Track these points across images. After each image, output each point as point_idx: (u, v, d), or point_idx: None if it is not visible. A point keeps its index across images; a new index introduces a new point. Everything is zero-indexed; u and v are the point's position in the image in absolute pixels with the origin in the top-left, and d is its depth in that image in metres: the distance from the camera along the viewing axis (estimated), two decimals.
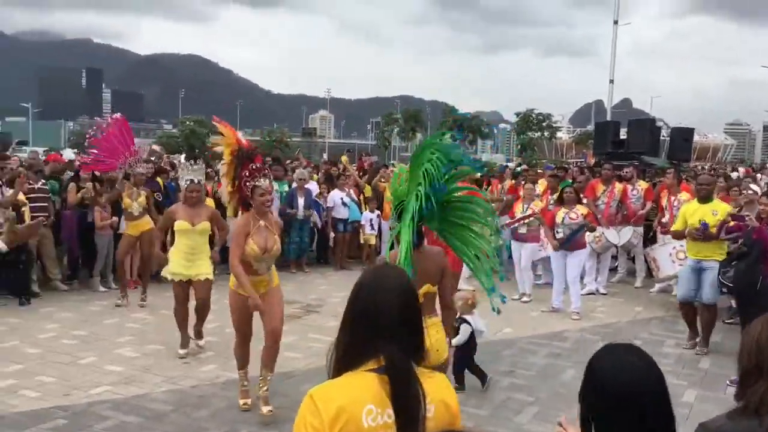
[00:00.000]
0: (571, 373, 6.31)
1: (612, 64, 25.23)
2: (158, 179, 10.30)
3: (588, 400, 1.82)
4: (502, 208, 11.08)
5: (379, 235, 11.80)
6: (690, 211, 7.25)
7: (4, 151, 12.07)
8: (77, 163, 10.83)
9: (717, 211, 7.06)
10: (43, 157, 13.03)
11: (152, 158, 12.05)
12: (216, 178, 10.77)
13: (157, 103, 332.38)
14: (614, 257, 11.07)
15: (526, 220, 9.43)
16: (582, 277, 9.37)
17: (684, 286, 7.22)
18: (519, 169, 15.94)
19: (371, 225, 11.77)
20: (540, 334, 7.82)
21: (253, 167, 5.17)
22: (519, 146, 62.74)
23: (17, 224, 3.13)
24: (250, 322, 5.19)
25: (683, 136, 15.61)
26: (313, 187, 11.76)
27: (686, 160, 17.17)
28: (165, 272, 6.50)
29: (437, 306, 4.04)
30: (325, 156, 26.06)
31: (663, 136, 18.72)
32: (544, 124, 60.01)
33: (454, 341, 5.35)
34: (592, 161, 17.29)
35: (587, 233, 8.95)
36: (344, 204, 11.62)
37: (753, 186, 9.76)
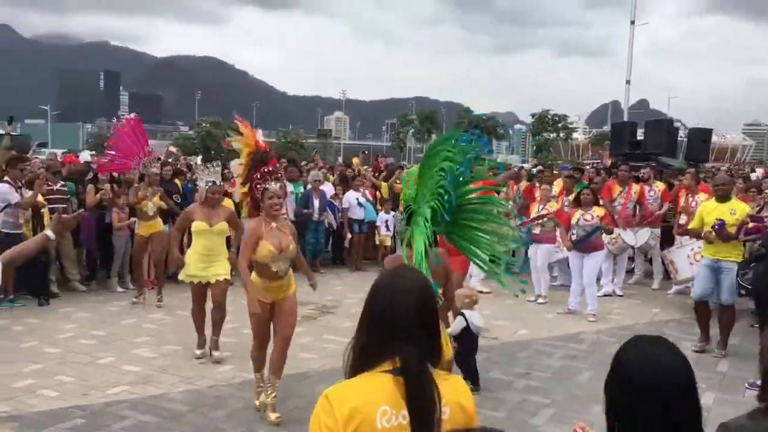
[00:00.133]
0: (587, 375, 6.28)
1: (629, 65, 25.09)
2: (176, 181, 10.36)
3: (613, 393, 1.78)
4: (517, 209, 11.07)
5: (395, 236, 11.81)
6: (707, 209, 7.19)
7: (23, 153, 12.17)
8: (94, 164, 10.94)
9: (735, 210, 6.99)
10: (61, 159, 13.17)
11: (170, 160, 12.11)
12: (231, 179, 10.86)
13: (173, 105, 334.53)
14: (631, 259, 11.00)
15: (540, 221, 9.41)
16: (598, 279, 9.33)
17: (701, 285, 7.17)
18: (535, 170, 15.88)
19: (387, 226, 11.78)
20: (556, 335, 7.79)
21: (265, 170, 5.19)
22: (534, 147, 62.45)
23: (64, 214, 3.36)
24: (268, 326, 5.18)
25: (701, 136, 15.52)
26: (327, 188, 11.78)
27: (704, 161, 17.05)
28: (182, 275, 6.51)
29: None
30: (340, 159, 26.10)
31: (681, 136, 18.62)
32: (559, 125, 59.67)
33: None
34: (609, 162, 17.19)
35: (604, 235, 8.91)
36: (360, 205, 11.65)
37: None
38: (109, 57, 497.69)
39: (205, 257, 6.37)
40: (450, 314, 5.36)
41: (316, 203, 11.11)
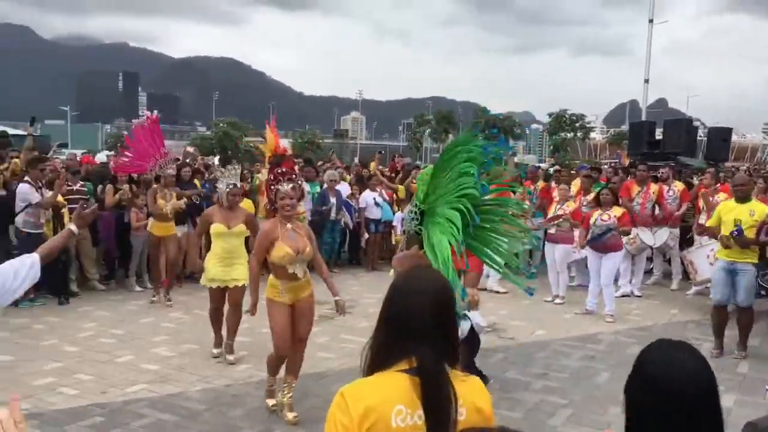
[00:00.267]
0: (606, 375, 6.24)
1: (647, 63, 24.89)
2: (195, 181, 10.41)
3: (635, 395, 1.77)
4: (533, 209, 11.03)
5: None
6: (726, 209, 7.12)
7: (44, 153, 12.31)
8: (111, 165, 11.05)
9: (754, 211, 6.91)
10: (80, 159, 13.31)
11: (187, 160, 12.19)
12: (249, 179, 10.92)
13: (191, 106, 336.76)
14: (649, 259, 10.92)
15: (556, 221, 9.37)
16: (616, 279, 9.27)
17: (719, 289, 7.09)
18: (551, 170, 15.81)
19: (403, 226, 11.77)
20: (573, 336, 7.75)
21: (278, 171, 5.21)
22: (551, 147, 62.14)
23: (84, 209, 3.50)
24: (289, 331, 5.07)
25: (721, 136, 15.38)
26: (343, 188, 11.80)
27: (724, 161, 16.89)
28: (203, 280, 6.51)
29: None
30: (356, 159, 26.14)
31: (700, 136, 18.47)
32: (577, 124, 59.32)
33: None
34: (627, 162, 17.08)
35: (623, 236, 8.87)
36: (376, 204, 11.66)
37: None
38: (128, 58, 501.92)
39: (224, 259, 6.36)
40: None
41: (333, 202, 11.15)
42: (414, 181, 11.94)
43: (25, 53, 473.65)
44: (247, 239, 6.66)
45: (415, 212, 4.01)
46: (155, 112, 9.54)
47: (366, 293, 9.54)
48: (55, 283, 8.76)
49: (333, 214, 11.10)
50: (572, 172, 14.70)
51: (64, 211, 8.73)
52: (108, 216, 9.63)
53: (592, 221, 8.60)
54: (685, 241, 10.45)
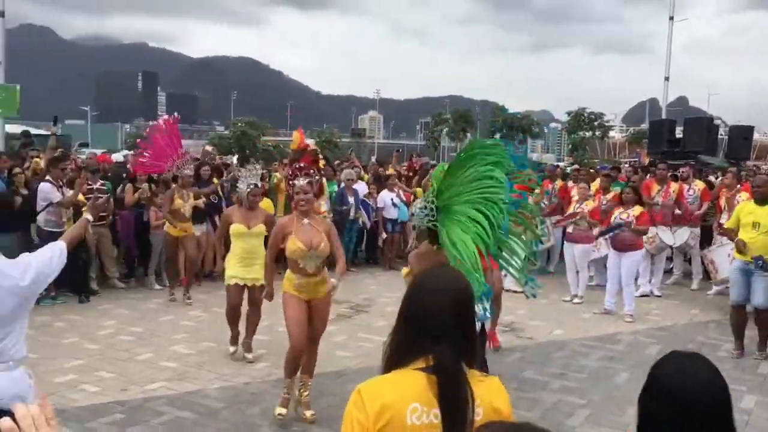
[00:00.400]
0: (625, 376, 6.20)
1: (667, 61, 24.63)
2: (214, 180, 10.45)
3: (649, 406, 1.78)
4: (552, 208, 10.99)
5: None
6: (745, 211, 7.04)
7: (65, 153, 12.45)
8: (129, 165, 11.13)
9: None
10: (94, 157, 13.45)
11: (206, 159, 12.25)
12: (267, 178, 10.96)
13: (209, 105, 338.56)
14: (669, 259, 10.83)
15: (572, 219, 9.32)
16: (636, 279, 9.20)
17: (735, 289, 7.02)
18: (569, 169, 15.72)
19: (412, 220, 11.76)
20: (592, 336, 7.71)
21: (296, 166, 5.23)
22: (570, 146, 61.76)
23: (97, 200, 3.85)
24: (304, 326, 5.03)
25: (742, 134, 15.21)
26: (360, 187, 11.82)
27: (745, 159, 16.70)
28: (226, 279, 6.49)
29: None
30: (373, 158, 26.16)
31: (721, 134, 18.27)
32: (595, 123, 58.90)
33: None
34: (647, 161, 16.94)
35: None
36: (394, 204, 11.67)
37: None
38: (147, 58, 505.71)
39: (244, 259, 6.36)
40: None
41: (351, 201, 11.17)
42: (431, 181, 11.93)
43: (45, 54, 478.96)
44: (266, 239, 6.66)
45: (430, 208, 4.02)
46: (174, 114, 9.60)
47: (383, 292, 9.55)
48: (76, 282, 8.86)
49: (351, 214, 11.13)
50: (591, 171, 14.61)
51: (85, 209, 8.81)
52: (127, 215, 9.72)
53: (612, 219, 8.60)
54: (706, 241, 10.36)
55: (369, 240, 12.25)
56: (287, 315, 5.05)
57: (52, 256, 3.15)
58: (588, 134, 58.38)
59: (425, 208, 4.07)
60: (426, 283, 1.90)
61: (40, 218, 8.42)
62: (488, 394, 1.82)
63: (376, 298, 9.28)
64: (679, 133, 16.11)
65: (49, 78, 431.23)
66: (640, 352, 6.98)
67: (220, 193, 10.32)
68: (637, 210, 8.56)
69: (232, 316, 6.61)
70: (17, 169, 8.92)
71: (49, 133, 12.35)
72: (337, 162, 14.66)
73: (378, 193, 11.91)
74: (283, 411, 5.02)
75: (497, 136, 57.45)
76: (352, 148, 25.99)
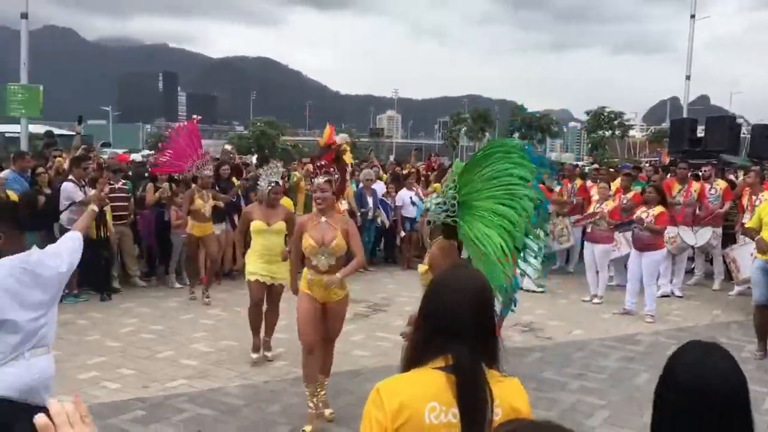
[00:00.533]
0: (645, 377, 6.15)
1: (688, 60, 24.37)
2: (233, 179, 10.49)
3: (667, 396, 1.77)
4: (571, 207, 10.94)
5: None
6: (767, 210, 6.96)
7: (87, 153, 12.61)
8: (149, 165, 11.24)
9: None
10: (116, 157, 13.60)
11: (226, 158, 12.33)
12: (286, 177, 11.00)
13: (229, 105, 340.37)
14: (691, 259, 10.73)
15: (592, 219, 9.26)
16: (656, 279, 9.13)
17: (759, 290, 6.94)
18: (587, 168, 15.62)
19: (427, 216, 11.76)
20: (612, 336, 7.66)
21: (317, 164, 5.24)
22: (589, 145, 61.37)
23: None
24: (313, 325, 4.98)
25: (765, 133, 14.98)
26: (379, 186, 11.84)
27: None
28: (247, 275, 6.46)
29: None
30: (392, 157, 26.17)
31: (743, 133, 18.03)
32: (615, 122, 58.47)
33: None
34: (667, 160, 16.78)
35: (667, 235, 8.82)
36: (413, 203, 11.67)
37: None
38: (168, 59, 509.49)
39: (264, 256, 6.34)
40: None
41: (370, 201, 11.19)
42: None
43: (68, 55, 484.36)
44: (286, 237, 6.66)
45: (451, 203, 4.04)
46: (195, 116, 9.67)
47: (401, 291, 9.55)
48: (99, 280, 8.97)
49: (370, 215, 11.16)
50: (611, 170, 14.51)
51: (107, 209, 8.92)
52: (148, 214, 9.81)
53: (634, 218, 8.58)
54: (728, 241, 10.24)
55: (387, 239, 12.27)
56: (298, 311, 5.06)
57: (74, 246, 3.45)
58: (608, 133, 57.96)
59: (444, 203, 4.09)
60: (445, 282, 1.90)
61: (63, 217, 8.53)
62: (508, 394, 1.82)
63: (394, 297, 9.29)
64: (700, 131, 15.93)
65: (72, 79, 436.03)
66: (661, 353, 6.91)
67: (239, 192, 10.36)
68: (657, 210, 8.50)
69: (255, 316, 6.53)
70: (41, 169, 9.04)
71: (72, 133, 12.50)
72: (356, 162, 14.69)
73: (396, 192, 11.92)
74: (308, 429, 4.86)
75: (516, 135, 57.27)
76: (371, 147, 26.03)
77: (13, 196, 8.05)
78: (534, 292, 9.61)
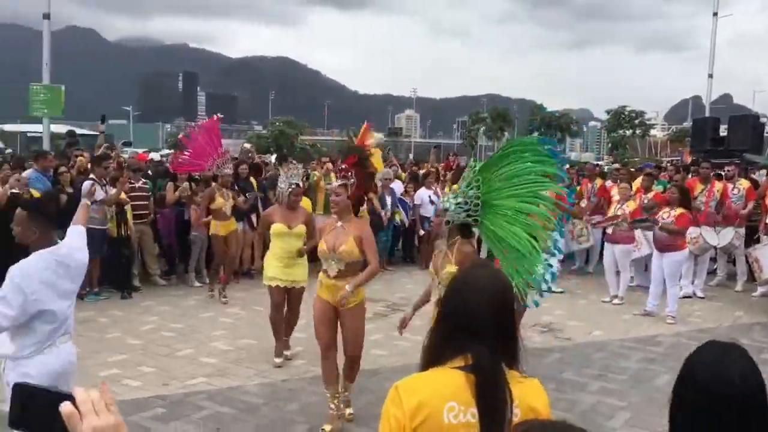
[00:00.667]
0: (666, 378, 6.08)
1: (711, 58, 24.11)
2: (252, 179, 10.51)
3: (685, 395, 1.76)
4: (591, 208, 10.85)
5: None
6: None
7: (111, 147, 12.74)
8: (169, 165, 11.30)
9: None
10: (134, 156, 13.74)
11: (245, 157, 12.37)
12: (306, 177, 11.02)
13: (248, 105, 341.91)
14: (713, 260, 10.60)
15: (614, 221, 9.18)
16: (678, 280, 9.03)
17: None
18: (607, 168, 15.50)
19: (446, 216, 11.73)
20: (632, 337, 7.59)
21: (339, 167, 5.24)
22: (610, 144, 60.91)
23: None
24: (327, 326, 4.96)
25: None
26: (397, 186, 11.83)
27: None
28: (265, 280, 6.45)
29: None
30: (411, 156, 26.16)
31: (767, 132, 17.78)
32: (636, 121, 57.97)
33: None
34: (689, 159, 16.61)
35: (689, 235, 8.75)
36: (431, 202, 11.65)
37: None
38: (188, 59, 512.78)
39: (283, 259, 6.28)
40: None
41: (389, 201, 11.19)
42: None
43: (89, 55, 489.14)
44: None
45: (474, 203, 4.05)
46: (217, 114, 9.68)
47: (420, 291, 9.44)
48: (119, 278, 9.06)
49: (388, 214, 11.15)
50: (632, 170, 14.39)
51: (128, 207, 8.99)
52: (168, 213, 9.88)
53: (653, 217, 8.51)
54: (752, 242, 10.11)
55: (406, 238, 12.26)
56: (313, 314, 5.07)
57: (85, 240, 3.74)
58: (628, 133, 57.50)
59: (465, 203, 4.09)
60: (466, 281, 1.90)
61: None
62: (527, 395, 1.81)
63: (413, 297, 9.19)
64: (723, 131, 15.75)
65: (93, 79, 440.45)
66: (682, 354, 6.75)
67: (258, 197, 10.35)
68: (677, 211, 8.38)
69: (277, 320, 6.47)
70: (63, 168, 9.13)
71: (94, 132, 12.66)
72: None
73: (415, 191, 11.91)
74: (328, 428, 4.85)
75: (535, 134, 57.02)
76: (390, 147, 26.04)
77: (36, 195, 8.14)
78: (553, 292, 9.54)
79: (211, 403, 5.34)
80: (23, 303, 3.21)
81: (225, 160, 9.17)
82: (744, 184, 10.30)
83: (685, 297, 9.30)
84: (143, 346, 6.86)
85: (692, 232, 9.17)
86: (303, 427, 4.96)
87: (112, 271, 9.15)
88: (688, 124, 49.76)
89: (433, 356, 1.83)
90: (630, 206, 9.16)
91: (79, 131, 19.02)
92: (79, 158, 10.35)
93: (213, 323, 7.80)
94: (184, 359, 6.46)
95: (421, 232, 11.77)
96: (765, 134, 16.64)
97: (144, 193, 9.52)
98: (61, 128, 20.58)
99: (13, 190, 7.98)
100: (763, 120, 18.24)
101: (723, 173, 10.57)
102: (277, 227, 6.24)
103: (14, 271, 3.28)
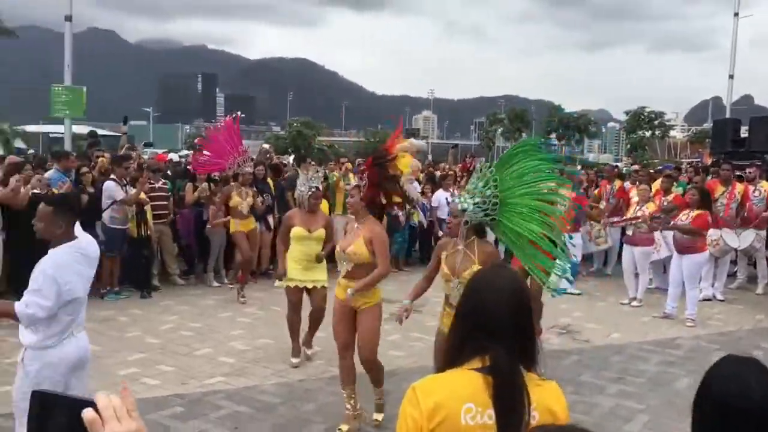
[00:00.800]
0: (686, 381, 6.04)
1: (732, 59, 23.88)
2: (269, 180, 10.53)
3: (704, 410, 1.75)
4: (610, 209, 10.78)
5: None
6: None
7: (132, 147, 12.87)
8: (190, 165, 11.37)
9: None
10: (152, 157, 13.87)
11: (263, 158, 12.43)
12: (325, 179, 11.04)
13: (266, 106, 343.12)
14: (733, 262, 10.50)
15: (633, 222, 9.11)
16: (698, 282, 8.95)
17: None
18: (626, 169, 15.40)
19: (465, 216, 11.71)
20: (651, 340, 7.53)
21: (361, 169, 5.25)
22: (629, 146, 60.43)
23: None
24: (344, 325, 4.95)
25: None
26: (414, 187, 11.81)
27: None
28: (283, 281, 6.40)
29: None
30: (430, 157, 26.11)
31: None
32: (656, 122, 57.43)
33: None
34: (709, 161, 16.45)
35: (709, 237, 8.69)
36: (449, 204, 11.64)
37: None
38: (207, 60, 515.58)
39: (302, 262, 6.26)
40: None
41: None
42: None
43: (110, 57, 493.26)
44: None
45: (493, 202, 4.11)
46: (238, 113, 9.70)
47: (436, 292, 9.48)
48: (139, 278, 9.14)
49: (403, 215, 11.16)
50: (651, 172, 14.28)
51: (147, 207, 9.07)
52: (187, 213, 9.95)
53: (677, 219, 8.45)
54: None
55: (423, 239, 12.25)
56: (333, 315, 5.08)
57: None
58: (647, 134, 56.99)
59: (484, 203, 4.13)
60: (484, 282, 1.90)
61: (105, 215, 8.70)
62: (545, 398, 1.80)
63: (430, 298, 9.22)
64: (744, 132, 15.59)
65: (114, 80, 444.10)
66: (702, 357, 6.78)
67: (273, 192, 10.40)
68: (695, 213, 8.29)
69: (294, 320, 6.46)
70: (84, 169, 9.23)
71: (115, 133, 12.80)
72: None
73: (432, 192, 11.91)
74: (344, 428, 4.86)
75: (553, 136, 56.73)
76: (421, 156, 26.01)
77: None
78: (571, 294, 9.50)
79: (228, 402, 5.38)
80: (58, 292, 3.33)
81: (246, 158, 9.21)
82: (765, 186, 10.17)
83: (705, 300, 9.22)
84: (162, 345, 6.92)
85: (712, 234, 9.08)
86: (320, 427, 4.98)
87: (132, 271, 9.23)
88: (708, 125, 49.30)
89: (451, 357, 1.83)
90: (650, 208, 9.09)
91: (100, 132, 19.21)
92: (100, 159, 10.45)
93: (231, 323, 7.84)
94: (202, 358, 6.51)
95: (440, 234, 11.74)
96: None
97: (164, 194, 9.59)
98: (82, 129, 20.79)
99: (35, 191, 8.08)
100: None
101: (744, 175, 10.45)
102: (297, 231, 6.20)
103: (46, 263, 3.40)
